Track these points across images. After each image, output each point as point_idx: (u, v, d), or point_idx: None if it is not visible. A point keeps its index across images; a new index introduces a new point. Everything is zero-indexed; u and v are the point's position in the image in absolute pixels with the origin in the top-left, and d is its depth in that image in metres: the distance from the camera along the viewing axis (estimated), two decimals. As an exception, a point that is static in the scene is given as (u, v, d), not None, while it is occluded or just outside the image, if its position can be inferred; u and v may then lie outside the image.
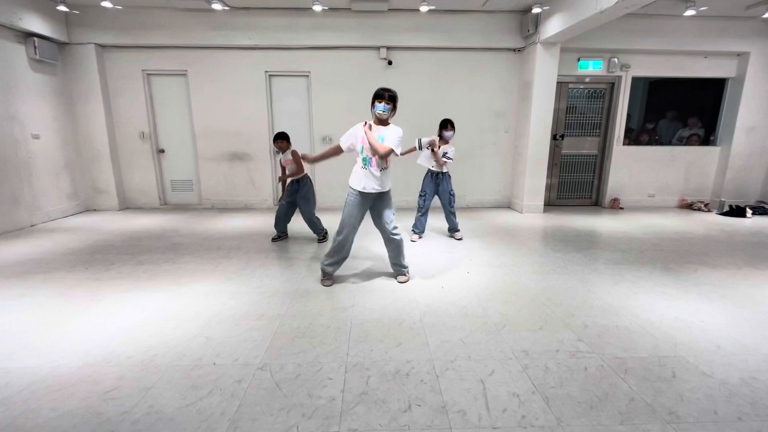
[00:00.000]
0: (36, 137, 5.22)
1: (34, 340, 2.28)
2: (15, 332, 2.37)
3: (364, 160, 2.90)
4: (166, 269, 3.47)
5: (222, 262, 3.67)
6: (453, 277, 3.29)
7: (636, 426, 1.62)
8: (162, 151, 6.24)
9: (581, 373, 1.98)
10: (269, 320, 2.52)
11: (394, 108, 2.91)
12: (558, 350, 2.18)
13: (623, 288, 3.06)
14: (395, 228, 3.10)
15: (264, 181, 6.28)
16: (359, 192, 2.94)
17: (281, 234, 4.43)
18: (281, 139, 4.07)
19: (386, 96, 2.84)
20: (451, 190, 4.36)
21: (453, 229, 4.52)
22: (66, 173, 5.70)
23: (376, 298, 2.88)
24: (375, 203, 3.04)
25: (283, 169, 4.17)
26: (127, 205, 6.30)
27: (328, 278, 3.16)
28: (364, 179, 2.91)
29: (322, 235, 4.40)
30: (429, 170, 4.32)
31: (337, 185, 6.05)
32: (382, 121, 2.93)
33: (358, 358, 2.10)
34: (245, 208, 6.26)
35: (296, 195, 4.18)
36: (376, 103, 2.86)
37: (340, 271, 3.41)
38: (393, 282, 3.19)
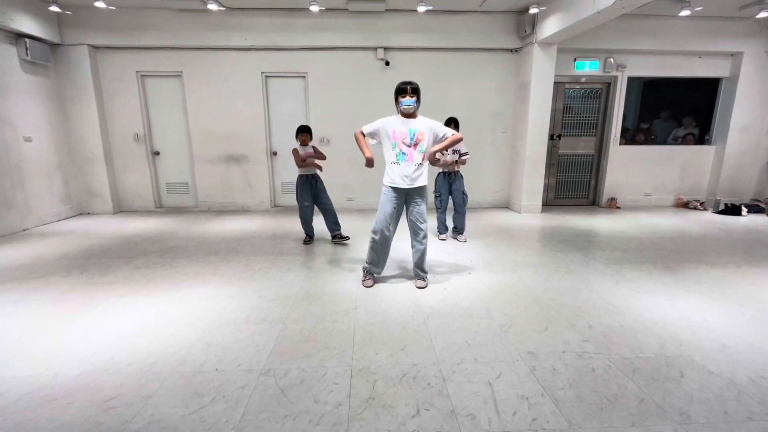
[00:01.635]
0: (28, 140, 5.12)
1: (30, 347, 2.22)
2: (10, 339, 2.31)
3: (398, 155, 2.87)
4: (164, 273, 3.41)
5: (221, 265, 3.62)
6: (455, 279, 3.27)
7: (648, 428, 1.60)
8: (157, 153, 6.17)
9: (589, 374, 1.96)
10: (271, 324, 2.48)
11: (419, 100, 2.87)
12: (564, 351, 2.17)
13: (625, 287, 3.06)
14: (426, 225, 3.03)
15: (261, 183, 6.22)
16: (392, 188, 2.94)
17: (312, 236, 4.43)
18: (306, 133, 4.22)
19: (409, 89, 2.81)
20: (464, 189, 4.37)
21: (458, 230, 4.49)
22: (59, 176, 5.60)
23: (378, 300, 2.85)
24: (408, 198, 3.00)
25: (297, 153, 4.20)
26: (121, 209, 6.21)
27: (370, 278, 3.15)
28: (397, 174, 2.89)
29: (339, 234, 4.41)
30: (441, 171, 4.33)
31: (337, 186, 6.03)
32: (410, 114, 2.89)
33: (363, 362, 2.07)
34: (242, 211, 6.20)
35: (315, 190, 4.26)
36: (401, 99, 2.83)
37: (342, 274, 3.38)
38: (395, 284, 3.16)
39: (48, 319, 2.57)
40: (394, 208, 2.97)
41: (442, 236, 4.52)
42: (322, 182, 4.31)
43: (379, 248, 3.07)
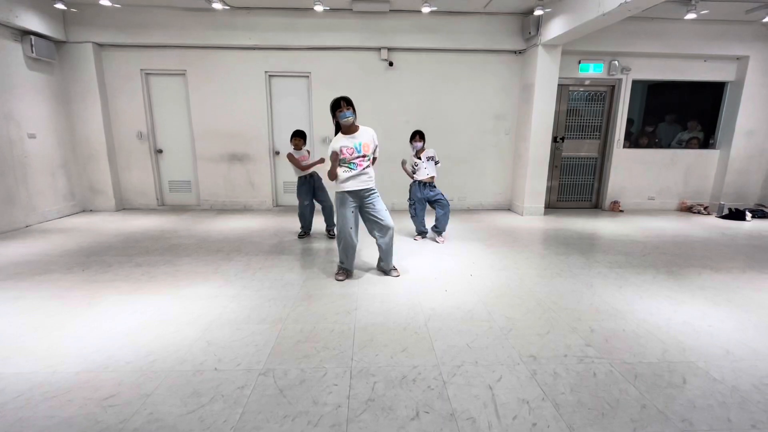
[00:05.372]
0: (32, 137, 5.14)
1: (30, 344, 2.22)
2: (10, 336, 2.31)
3: (349, 165, 3.05)
4: (165, 271, 3.41)
5: (222, 264, 3.62)
6: (456, 281, 3.26)
7: (650, 434, 1.58)
8: (160, 151, 6.18)
9: (591, 378, 1.95)
10: (271, 324, 2.47)
11: (354, 111, 3.05)
12: (566, 355, 2.15)
13: (628, 291, 3.04)
14: (388, 221, 3.20)
15: (263, 182, 6.22)
16: (347, 192, 3.08)
17: (307, 231, 4.65)
18: (300, 137, 4.39)
19: (343, 104, 3.01)
20: (440, 193, 4.38)
21: (438, 231, 4.44)
22: (62, 173, 5.62)
23: (379, 301, 2.84)
24: (362, 199, 3.15)
25: (293, 158, 4.35)
26: (124, 206, 6.22)
27: (342, 273, 3.29)
28: (350, 180, 3.06)
29: (334, 230, 4.62)
30: (415, 180, 4.39)
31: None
32: (350, 127, 3.06)
33: (363, 363, 2.06)
34: (244, 210, 6.20)
35: (313, 188, 4.47)
36: (338, 113, 3.01)
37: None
38: (396, 285, 3.15)
39: (48, 316, 2.57)
40: (352, 211, 3.14)
41: (417, 237, 4.58)
42: (320, 180, 4.50)
43: (346, 248, 3.21)
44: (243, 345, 2.22)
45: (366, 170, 3.08)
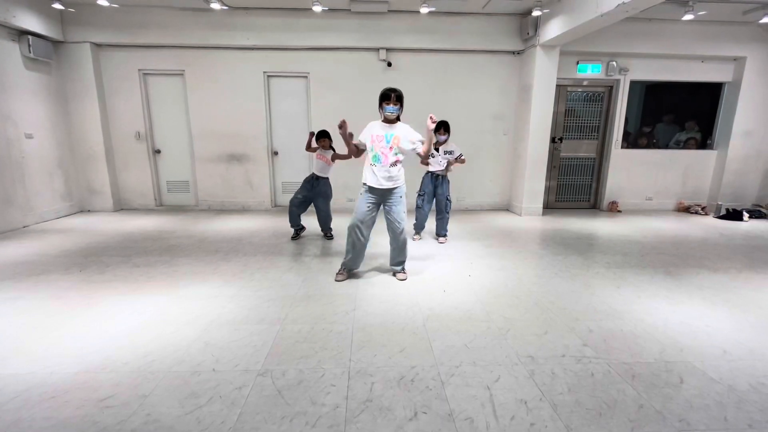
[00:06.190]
0: (29, 137, 5.13)
1: (28, 345, 2.22)
2: (7, 337, 2.30)
3: (374, 157, 3.01)
4: (163, 272, 3.41)
5: (220, 264, 3.61)
6: (455, 281, 3.26)
7: (647, 434, 1.59)
8: (158, 151, 6.17)
9: (588, 379, 1.95)
10: (270, 324, 2.47)
11: (402, 107, 3.01)
12: (564, 355, 2.15)
13: (626, 292, 3.05)
14: (402, 225, 3.19)
15: (262, 182, 6.22)
16: (370, 187, 3.05)
17: (299, 229, 4.55)
18: (326, 137, 4.27)
19: (393, 97, 2.95)
20: (449, 195, 4.37)
21: (440, 234, 4.47)
22: (60, 173, 5.60)
23: (377, 301, 2.84)
24: (384, 199, 3.13)
25: (310, 147, 4.35)
26: (122, 206, 6.21)
27: (343, 273, 3.26)
28: (375, 175, 3.02)
29: (330, 233, 4.56)
30: (429, 171, 4.31)
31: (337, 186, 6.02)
32: (392, 120, 3.03)
33: (361, 363, 2.06)
34: (242, 210, 6.20)
35: (314, 191, 4.31)
36: (385, 105, 2.97)
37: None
38: (395, 285, 3.15)
39: (46, 316, 2.56)
40: (369, 208, 3.10)
41: (416, 236, 4.53)
42: (325, 186, 4.35)
43: (353, 246, 3.19)
44: (241, 345, 2.22)
45: (391, 169, 3.00)
